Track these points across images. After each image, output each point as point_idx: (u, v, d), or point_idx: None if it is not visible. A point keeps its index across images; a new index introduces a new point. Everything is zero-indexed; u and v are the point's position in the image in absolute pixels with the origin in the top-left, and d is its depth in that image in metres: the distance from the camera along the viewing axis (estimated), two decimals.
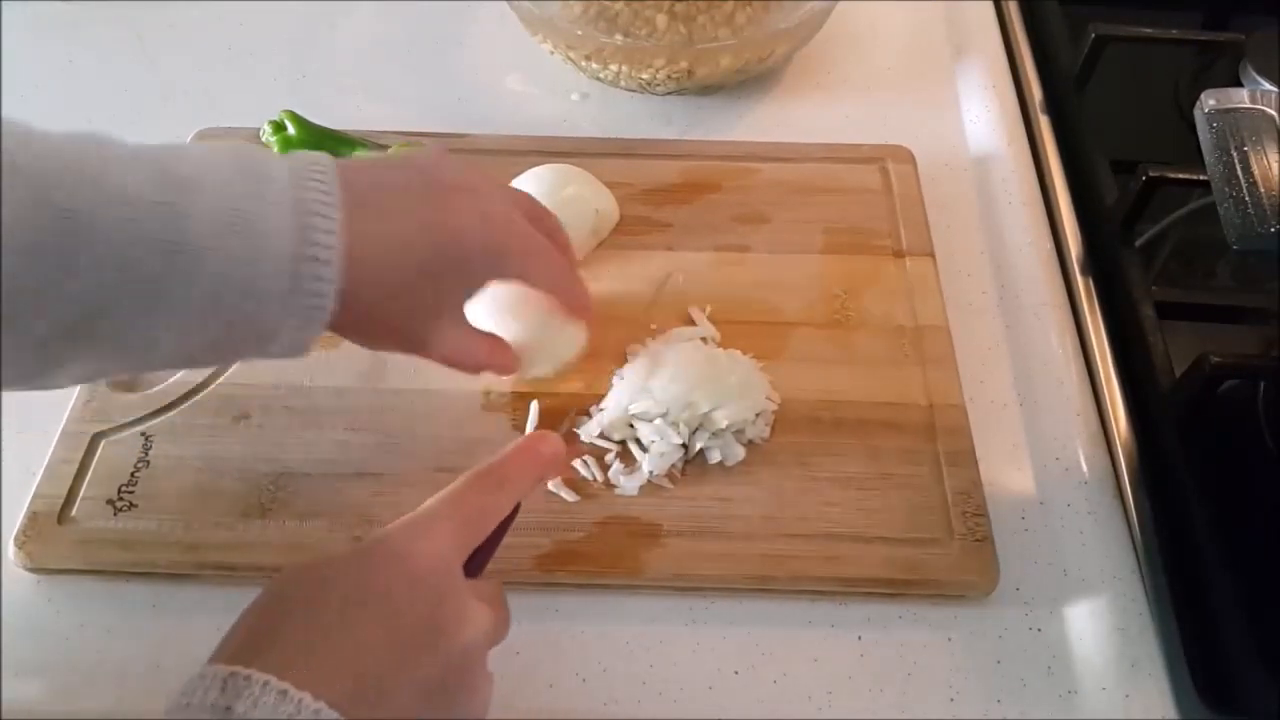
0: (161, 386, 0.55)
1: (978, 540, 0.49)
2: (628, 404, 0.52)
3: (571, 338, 0.52)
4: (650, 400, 0.52)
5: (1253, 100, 0.53)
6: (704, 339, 0.56)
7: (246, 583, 0.49)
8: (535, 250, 0.46)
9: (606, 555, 0.49)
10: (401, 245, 0.41)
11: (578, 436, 0.53)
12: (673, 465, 0.51)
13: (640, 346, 0.56)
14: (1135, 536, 0.51)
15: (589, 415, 0.54)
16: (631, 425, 0.52)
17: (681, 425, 0.51)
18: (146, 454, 0.52)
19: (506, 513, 0.41)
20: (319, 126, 0.65)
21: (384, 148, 0.63)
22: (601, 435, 0.53)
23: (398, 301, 0.42)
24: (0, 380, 0.39)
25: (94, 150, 0.37)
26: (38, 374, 0.39)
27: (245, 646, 0.34)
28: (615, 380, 0.55)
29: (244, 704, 0.32)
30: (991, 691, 0.47)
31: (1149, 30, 0.72)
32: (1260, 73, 0.69)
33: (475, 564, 0.40)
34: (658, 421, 0.51)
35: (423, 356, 0.48)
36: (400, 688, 0.34)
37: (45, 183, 0.36)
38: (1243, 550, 0.48)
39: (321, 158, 0.41)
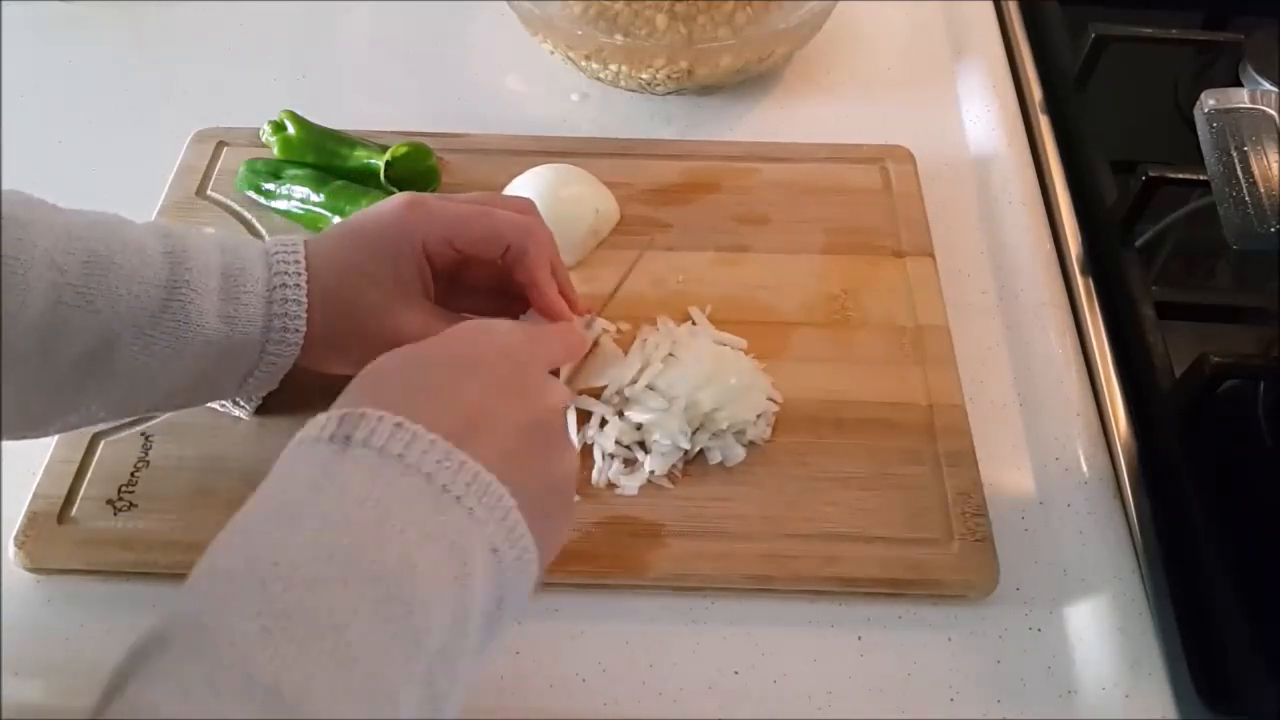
0: None
1: (978, 540, 0.49)
2: (640, 382, 0.53)
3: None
4: (660, 398, 0.52)
5: (1253, 100, 0.53)
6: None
7: None
8: (457, 210, 0.50)
9: (607, 555, 0.49)
10: (338, 239, 0.49)
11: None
12: (673, 465, 0.51)
13: (654, 329, 0.56)
14: (1135, 536, 0.51)
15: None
16: (639, 427, 0.52)
17: (684, 425, 0.52)
18: (146, 454, 0.52)
19: (556, 358, 0.44)
20: (319, 126, 0.65)
21: (384, 148, 0.63)
22: (616, 442, 0.52)
23: (353, 283, 0.48)
24: (22, 423, 0.44)
25: (114, 216, 0.46)
26: (48, 415, 0.45)
27: (351, 396, 0.36)
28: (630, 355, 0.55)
29: (362, 432, 0.33)
30: (991, 691, 0.47)
31: (1149, 30, 0.72)
32: (1260, 73, 0.69)
33: None
34: (667, 421, 0.51)
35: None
36: (497, 426, 0.36)
37: (76, 234, 0.43)
38: (1243, 550, 0.48)
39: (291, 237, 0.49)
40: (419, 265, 0.49)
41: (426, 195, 0.51)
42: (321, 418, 0.34)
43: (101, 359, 0.43)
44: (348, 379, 0.38)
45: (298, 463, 0.34)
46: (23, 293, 0.41)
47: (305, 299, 0.47)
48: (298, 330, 0.47)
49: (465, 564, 0.33)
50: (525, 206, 0.52)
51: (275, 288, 0.47)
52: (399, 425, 0.33)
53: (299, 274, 0.47)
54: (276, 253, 0.48)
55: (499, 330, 0.40)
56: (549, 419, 0.39)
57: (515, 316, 0.53)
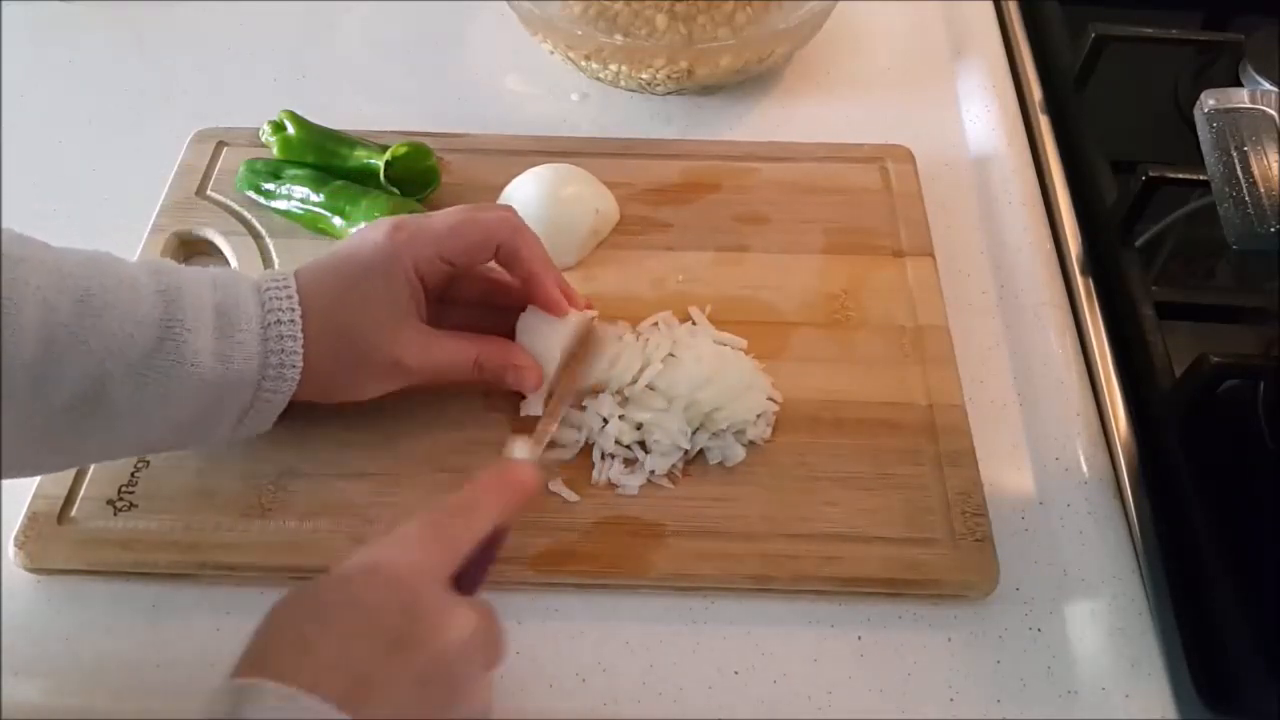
0: None
1: (978, 540, 0.49)
2: (640, 382, 0.53)
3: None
4: (660, 398, 0.52)
5: (1253, 100, 0.53)
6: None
7: (246, 583, 0.49)
8: (442, 223, 0.50)
9: (606, 555, 0.49)
10: (328, 269, 0.49)
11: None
12: (673, 465, 0.51)
13: (654, 328, 0.57)
14: (1135, 536, 0.51)
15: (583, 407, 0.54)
16: (639, 427, 0.52)
17: (684, 424, 0.52)
18: None
19: (482, 534, 0.41)
20: (319, 126, 0.65)
21: (384, 148, 0.63)
22: (616, 442, 0.52)
23: (348, 310, 0.48)
24: (14, 463, 0.44)
25: (106, 254, 0.46)
26: (41, 456, 0.45)
27: (247, 665, 0.36)
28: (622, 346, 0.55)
29: (253, 710, 0.33)
30: (991, 691, 0.47)
31: (1149, 30, 0.72)
32: (1260, 73, 0.70)
33: (466, 587, 0.40)
34: (667, 421, 0.51)
35: (407, 374, 0.50)
36: (391, 683, 0.36)
37: (68, 272, 0.43)
38: (1243, 550, 0.48)
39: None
40: (412, 288, 0.49)
41: (407, 217, 0.51)
42: (220, 692, 0.34)
43: (94, 399, 0.43)
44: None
45: None
46: (15, 332, 0.41)
47: (300, 334, 0.47)
48: (294, 366, 0.47)
49: None
50: (506, 209, 0.53)
51: (270, 324, 0.47)
52: (291, 699, 0.33)
53: (293, 309, 0.47)
54: (269, 289, 0.47)
55: (389, 561, 0.38)
56: (448, 661, 0.37)
57: (509, 327, 0.53)
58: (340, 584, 0.38)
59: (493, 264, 0.52)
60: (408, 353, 0.49)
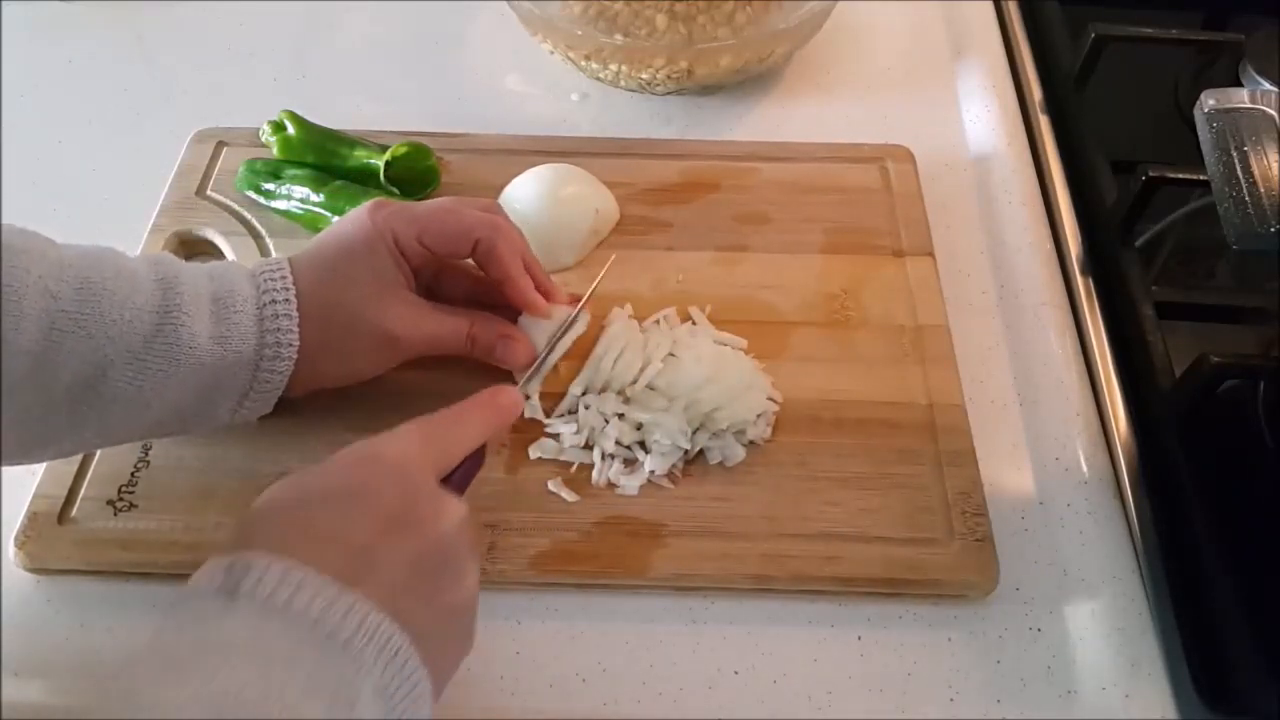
0: None
1: (978, 540, 0.49)
2: (640, 382, 0.53)
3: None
4: (660, 398, 0.52)
5: (1253, 100, 0.53)
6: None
7: None
8: (422, 208, 0.51)
9: (606, 555, 0.49)
10: (315, 250, 0.50)
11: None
12: (673, 465, 0.51)
13: (655, 325, 0.57)
14: (1135, 536, 0.51)
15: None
16: (639, 427, 0.52)
17: (684, 425, 0.52)
18: (146, 454, 0.52)
19: (471, 446, 0.43)
20: (319, 126, 0.65)
21: (384, 148, 0.63)
22: (616, 442, 0.52)
23: (335, 285, 0.49)
24: (14, 450, 0.44)
25: (107, 249, 0.46)
26: (41, 442, 0.45)
27: (241, 539, 0.36)
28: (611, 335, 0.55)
29: (248, 583, 0.33)
30: (991, 691, 0.47)
31: (1149, 30, 0.72)
32: (1260, 73, 0.70)
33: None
34: (667, 421, 0.51)
35: (398, 346, 0.50)
36: (387, 562, 0.36)
37: (69, 262, 0.44)
38: (1243, 550, 0.48)
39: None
40: (395, 259, 0.50)
41: (388, 199, 0.52)
42: (211, 566, 0.34)
43: (94, 385, 0.44)
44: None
45: (186, 617, 0.34)
46: (17, 319, 0.41)
47: (295, 313, 0.47)
48: (291, 345, 0.47)
49: (351, 711, 0.33)
50: (489, 205, 0.53)
51: (265, 304, 0.47)
52: (287, 570, 0.34)
53: (287, 289, 0.48)
54: (263, 272, 0.48)
55: (389, 451, 0.40)
56: (443, 545, 0.38)
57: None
58: (342, 468, 0.39)
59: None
60: (398, 324, 0.49)
